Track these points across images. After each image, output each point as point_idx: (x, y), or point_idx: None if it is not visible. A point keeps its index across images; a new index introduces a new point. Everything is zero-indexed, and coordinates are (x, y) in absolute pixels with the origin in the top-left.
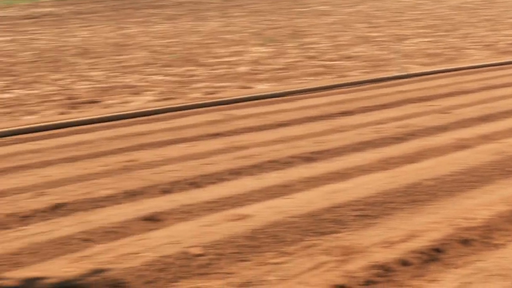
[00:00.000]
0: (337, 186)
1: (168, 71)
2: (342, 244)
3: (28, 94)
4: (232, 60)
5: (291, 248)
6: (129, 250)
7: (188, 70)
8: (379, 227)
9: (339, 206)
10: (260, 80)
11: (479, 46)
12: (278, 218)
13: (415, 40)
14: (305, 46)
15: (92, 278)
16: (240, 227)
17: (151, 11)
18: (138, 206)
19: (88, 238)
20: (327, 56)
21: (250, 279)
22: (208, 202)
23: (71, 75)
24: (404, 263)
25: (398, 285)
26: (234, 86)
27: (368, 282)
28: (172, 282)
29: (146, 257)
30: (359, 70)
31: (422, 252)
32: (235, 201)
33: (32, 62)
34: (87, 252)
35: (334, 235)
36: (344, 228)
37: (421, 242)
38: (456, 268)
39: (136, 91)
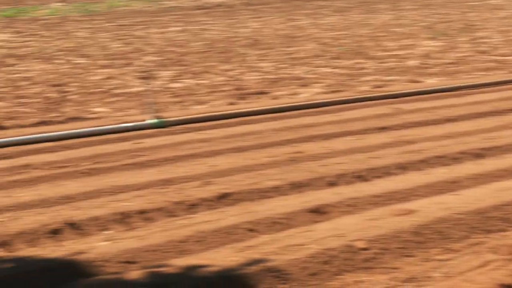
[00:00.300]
0: (506, 183)
1: (337, 64)
2: (510, 243)
3: (198, 84)
4: (401, 54)
5: (457, 245)
6: (293, 241)
7: (357, 63)
8: None
9: (508, 204)
10: (429, 74)
11: None
12: (444, 214)
13: None
14: (476, 41)
15: (256, 268)
16: (405, 222)
17: (321, 3)
18: (303, 198)
19: (253, 228)
20: (499, 51)
21: (415, 275)
22: (374, 196)
23: (240, 66)
24: None
25: None
26: (403, 80)
27: None
28: (336, 275)
29: (310, 249)
30: None
31: None
32: (401, 196)
33: (203, 52)
34: (252, 242)
35: (502, 233)
36: None
37: None
38: None
39: (305, 83)
